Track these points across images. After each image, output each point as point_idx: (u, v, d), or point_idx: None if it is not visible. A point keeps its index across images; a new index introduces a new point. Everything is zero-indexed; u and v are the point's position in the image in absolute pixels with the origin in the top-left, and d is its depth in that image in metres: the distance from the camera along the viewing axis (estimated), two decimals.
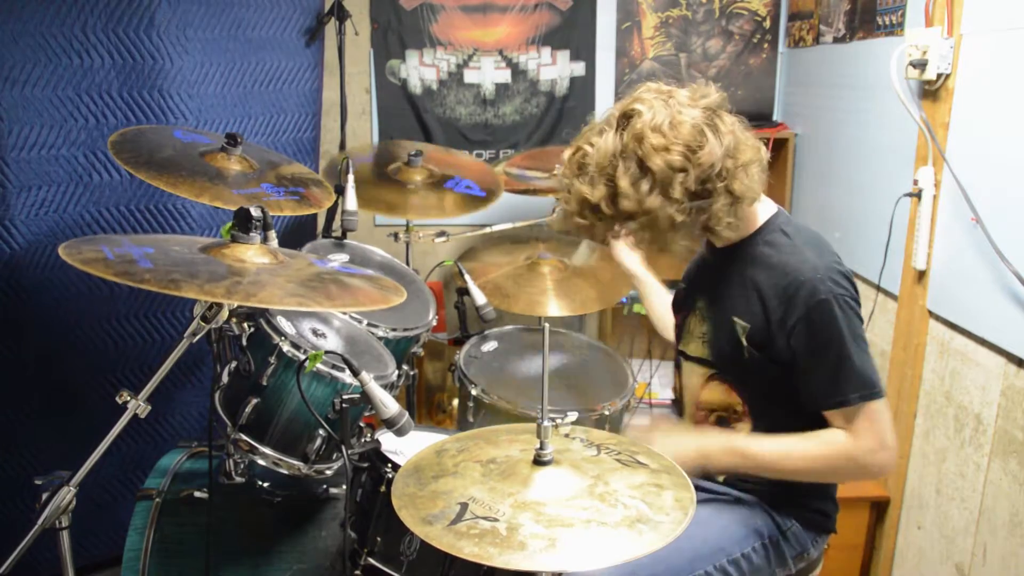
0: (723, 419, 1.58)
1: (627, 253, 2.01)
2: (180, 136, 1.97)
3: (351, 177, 2.11)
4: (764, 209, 1.51)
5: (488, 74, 3.22)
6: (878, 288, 2.44)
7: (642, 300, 2.02)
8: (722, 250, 1.55)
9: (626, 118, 1.37)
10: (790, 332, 1.41)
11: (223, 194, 1.76)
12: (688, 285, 1.69)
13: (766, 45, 3.23)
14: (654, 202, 1.34)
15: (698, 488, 1.26)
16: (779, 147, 3.06)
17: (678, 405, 1.71)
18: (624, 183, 1.34)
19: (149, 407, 1.32)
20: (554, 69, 3.23)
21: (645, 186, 1.34)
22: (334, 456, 1.69)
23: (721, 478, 1.60)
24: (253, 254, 1.36)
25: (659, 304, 1.95)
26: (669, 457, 1.32)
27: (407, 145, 2.65)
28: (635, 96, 1.40)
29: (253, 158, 1.93)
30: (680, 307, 1.69)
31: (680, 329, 1.67)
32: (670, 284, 1.90)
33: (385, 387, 1.51)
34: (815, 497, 1.57)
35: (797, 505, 1.55)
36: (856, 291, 1.44)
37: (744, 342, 1.47)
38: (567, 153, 1.44)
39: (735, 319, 1.48)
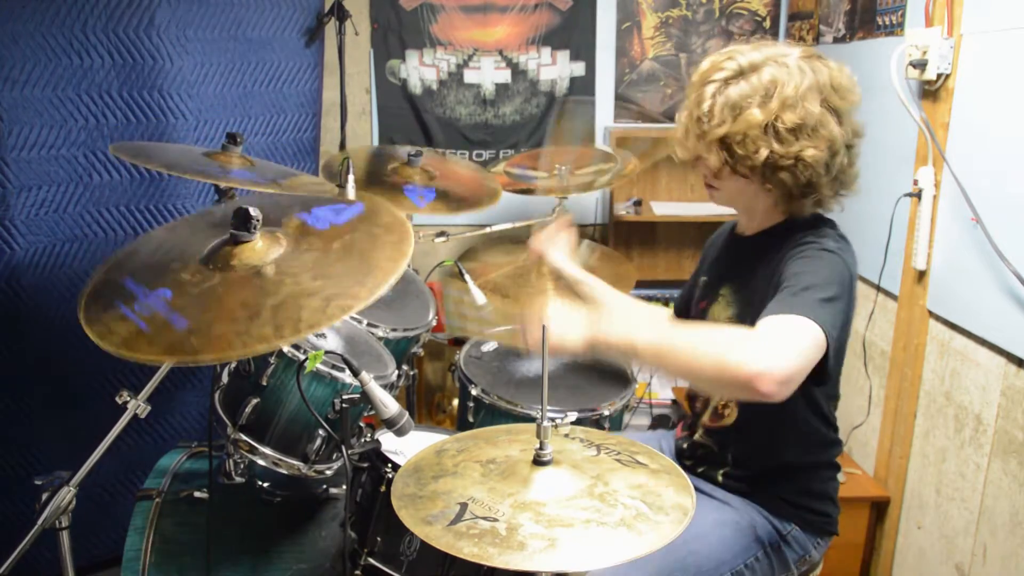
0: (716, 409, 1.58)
1: (556, 251, 1.92)
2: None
3: (351, 177, 2.10)
4: None
5: (488, 74, 3.22)
6: (878, 288, 2.44)
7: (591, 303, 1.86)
8: (752, 237, 1.56)
9: (773, 62, 1.41)
10: (786, 261, 1.38)
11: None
12: (709, 275, 1.69)
13: None
14: (737, 128, 1.38)
15: (696, 490, 1.26)
16: None
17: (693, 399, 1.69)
18: (733, 93, 1.39)
19: (149, 407, 1.31)
20: (554, 69, 3.23)
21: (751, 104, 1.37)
22: (334, 456, 1.69)
23: (720, 477, 1.60)
24: (260, 250, 1.32)
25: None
26: (557, 337, 1.34)
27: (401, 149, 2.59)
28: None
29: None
30: (702, 297, 1.68)
31: (701, 318, 1.65)
32: (651, 284, 1.82)
33: (385, 387, 1.51)
34: (815, 499, 1.57)
35: (797, 507, 1.55)
36: (854, 282, 1.42)
37: None
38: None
39: (765, 300, 1.45)
